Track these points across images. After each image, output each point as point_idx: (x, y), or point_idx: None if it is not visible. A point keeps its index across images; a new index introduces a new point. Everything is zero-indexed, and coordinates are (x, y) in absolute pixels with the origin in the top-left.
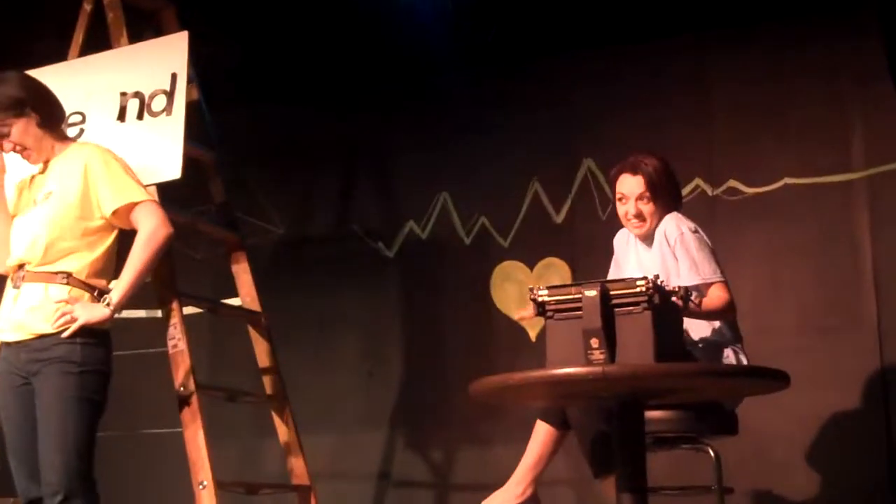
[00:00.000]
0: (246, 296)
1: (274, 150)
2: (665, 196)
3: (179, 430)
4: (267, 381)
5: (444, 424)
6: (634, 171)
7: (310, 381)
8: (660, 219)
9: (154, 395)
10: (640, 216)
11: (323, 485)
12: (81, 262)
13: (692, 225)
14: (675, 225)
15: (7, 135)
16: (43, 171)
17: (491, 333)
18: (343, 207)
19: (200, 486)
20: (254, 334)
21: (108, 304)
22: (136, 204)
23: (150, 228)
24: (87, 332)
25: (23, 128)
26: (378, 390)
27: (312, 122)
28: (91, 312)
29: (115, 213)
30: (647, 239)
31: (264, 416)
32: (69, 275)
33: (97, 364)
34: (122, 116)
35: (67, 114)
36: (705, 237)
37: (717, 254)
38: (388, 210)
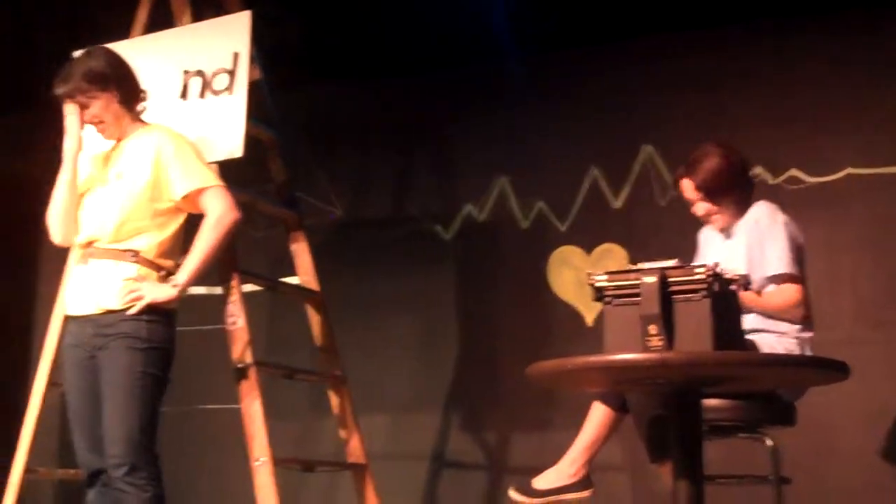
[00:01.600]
0: (304, 275)
1: (334, 131)
2: (726, 190)
3: (237, 406)
4: (324, 360)
5: (499, 407)
6: (688, 174)
7: (365, 361)
8: (733, 210)
9: (212, 372)
10: (707, 214)
11: (377, 464)
12: (150, 241)
13: (785, 217)
14: (768, 214)
15: (88, 107)
16: (115, 150)
17: (547, 318)
18: (401, 189)
19: (257, 462)
20: (311, 313)
21: (174, 285)
22: (205, 189)
23: (219, 213)
24: (152, 310)
25: (104, 103)
26: (433, 372)
27: (373, 103)
28: (158, 292)
29: (185, 197)
30: (728, 230)
31: (320, 395)
32: (137, 253)
33: (162, 342)
34: (184, 94)
35: None
36: (796, 232)
37: (804, 251)
38: (446, 193)
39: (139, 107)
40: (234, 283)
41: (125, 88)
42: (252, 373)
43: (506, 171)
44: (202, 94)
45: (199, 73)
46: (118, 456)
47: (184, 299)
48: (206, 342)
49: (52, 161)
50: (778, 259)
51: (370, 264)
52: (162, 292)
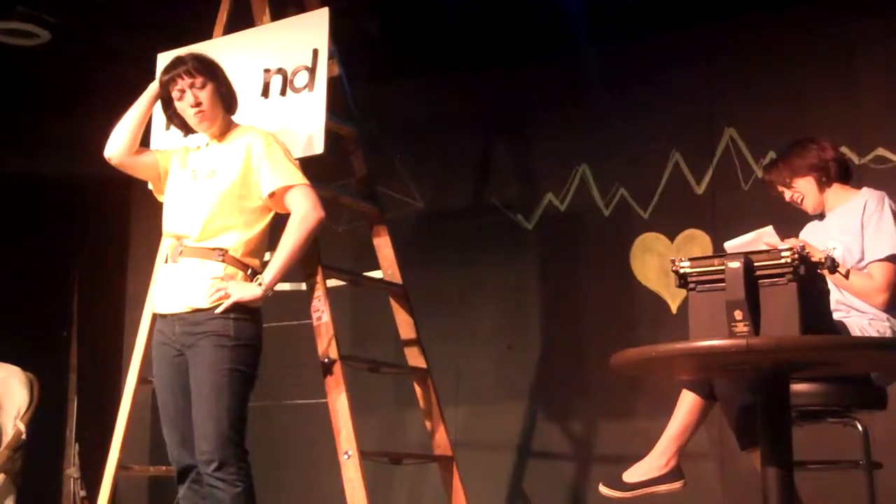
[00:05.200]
0: (388, 268)
1: (413, 123)
2: (813, 174)
3: (324, 400)
4: (409, 352)
5: (584, 396)
6: (768, 172)
7: (449, 353)
8: (822, 194)
9: (299, 367)
10: (798, 202)
11: (463, 455)
12: (238, 240)
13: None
14: (878, 200)
15: (199, 88)
16: (209, 148)
17: (631, 305)
18: (482, 180)
19: (345, 456)
20: (395, 306)
21: (260, 284)
22: (291, 187)
23: (303, 212)
24: (239, 308)
25: (212, 91)
26: (517, 362)
27: (452, 95)
28: (244, 291)
29: (272, 195)
30: (824, 214)
31: (406, 388)
32: (225, 252)
33: (249, 339)
34: (265, 93)
35: None
36: None
37: None
38: (526, 182)
39: (234, 108)
40: (318, 278)
41: (227, 87)
42: (338, 367)
43: (586, 159)
44: (283, 92)
45: (280, 70)
46: (208, 452)
47: (270, 296)
48: (292, 338)
49: None
50: (886, 242)
51: (452, 256)
52: (248, 291)
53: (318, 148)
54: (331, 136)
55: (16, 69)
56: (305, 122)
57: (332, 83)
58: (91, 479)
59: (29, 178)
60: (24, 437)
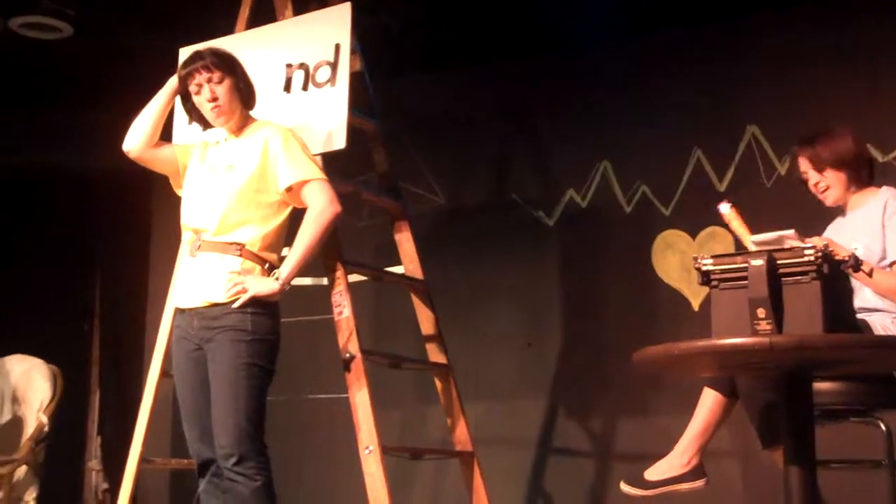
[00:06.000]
0: (409, 263)
1: (434, 119)
2: (842, 165)
3: (345, 395)
4: (430, 348)
5: (605, 393)
6: (807, 145)
7: (470, 348)
8: (847, 188)
9: (320, 362)
10: (818, 187)
11: (483, 451)
12: (255, 234)
13: None
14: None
15: (217, 83)
16: (228, 143)
17: (652, 302)
18: (503, 176)
19: (366, 451)
20: (417, 302)
21: (277, 279)
22: (308, 181)
23: (320, 207)
24: (256, 302)
25: (229, 86)
26: (538, 359)
27: (473, 90)
28: (261, 286)
29: (289, 189)
30: (844, 210)
31: (426, 383)
32: (242, 246)
33: (266, 333)
34: (287, 88)
35: None
36: None
37: None
38: (547, 178)
39: (252, 104)
40: (339, 273)
41: (245, 82)
42: (359, 362)
43: (608, 155)
44: (305, 87)
45: (302, 65)
46: (227, 447)
47: (292, 290)
48: (313, 332)
49: None
50: None
51: (473, 252)
52: (265, 286)
53: (340, 143)
54: (352, 132)
55: (39, 63)
56: (327, 117)
57: (354, 78)
58: (113, 472)
59: (52, 171)
60: (46, 429)
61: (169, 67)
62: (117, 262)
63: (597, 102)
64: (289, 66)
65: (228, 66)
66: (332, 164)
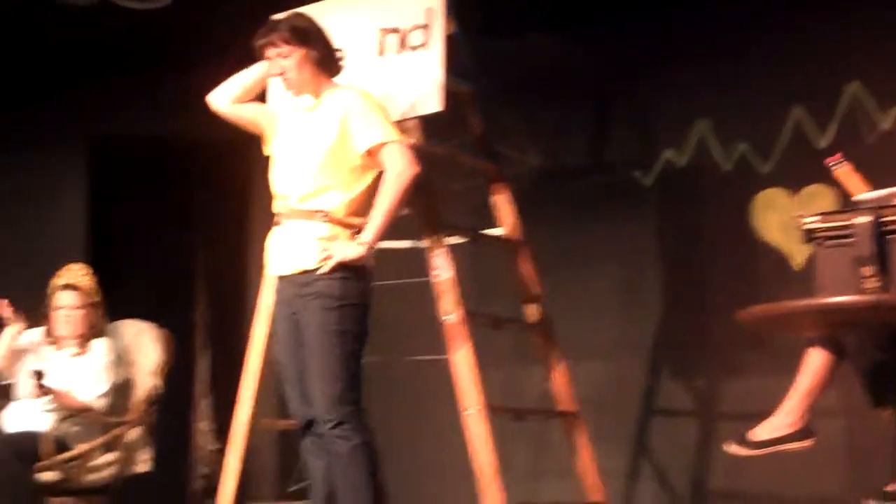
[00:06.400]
0: (507, 225)
1: (529, 80)
2: None
3: (445, 357)
4: (529, 309)
5: (706, 353)
6: None
7: (569, 309)
8: None
9: (420, 324)
10: None
11: (585, 412)
12: (340, 200)
13: None
14: None
15: (284, 57)
16: (310, 111)
17: (753, 262)
18: (599, 137)
19: (469, 412)
20: (515, 263)
21: (361, 243)
22: (385, 143)
23: (399, 168)
24: (345, 268)
25: (299, 58)
26: (638, 319)
27: (569, 51)
28: (346, 251)
29: (368, 152)
30: None
31: (526, 344)
32: (327, 213)
33: (355, 298)
34: (381, 52)
35: None
36: None
37: None
38: (645, 139)
39: (334, 70)
40: (437, 236)
41: (323, 50)
42: (460, 324)
43: (705, 114)
44: (399, 51)
45: (395, 29)
46: (322, 412)
47: (392, 253)
48: (414, 295)
49: None
50: None
51: (570, 213)
52: (350, 251)
53: (435, 106)
54: (447, 95)
55: (138, 32)
56: (422, 80)
57: (448, 41)
58: (223, 433)
59: (154, 139)
60: (159, 390)
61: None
62: (220, 227)
63: (694, 60)
64: (382, 30)
65: (300, 37)
66: (428, 127)
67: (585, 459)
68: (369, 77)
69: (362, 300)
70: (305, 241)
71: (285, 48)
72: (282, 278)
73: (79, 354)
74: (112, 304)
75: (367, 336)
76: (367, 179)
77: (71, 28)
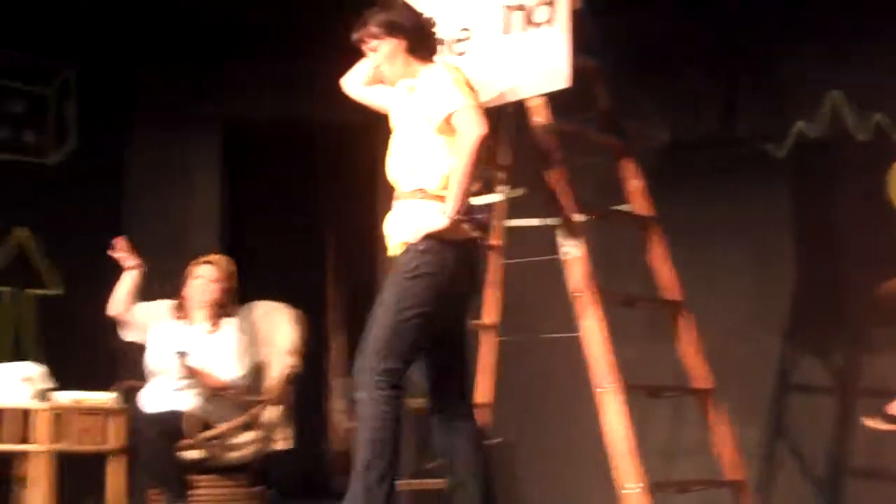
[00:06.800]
0: (636, 201)
1: (656, 54)
2: None
3: (577, 335)
4: (662, 285)
5: (842, 329)
6: None
7: (700, 285)
8: None
9: (553, 302)
10: None
11: (720, 389)
12: (434, 176)
13: None
14: None
15: (374, 50)
16: (410, 91)
17: (889, 235)
18: (729, 109)
19: (602, 389)
20: (646, 240)
21: (443, 213)
22: (454, 111)
23: (464, 133)
24: (430, 238)
25: (390, 49)
26: (771, 295)
27: (696, 23)
28: (430, 222)
29: (446, 122)
30: None
31: (658, 321)
32: (425, 190)
33: (429, 267)
34: (506, 29)
35: (455, 29)
36: None
37: None
38: (776, 111)
39: (430, 51)
40: (567, 213)
41: (414, 36)
42: (591, 301)
43: (839, 84)
44: (524, 28)
45: (520, 7)
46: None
47: (522, 231)
48: (544, 272)
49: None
50: None
51: (700, 188)
52: (433, 222)
53: (562, 82)
54: (574, 70)
55: (272, 17)
56: (548, 56)
57: (574, 16)
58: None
59: (287, 121)
60: (296, 369)
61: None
62: (350, 208)
63: (826, 29)
64: (507, 7)
65: (387, 30)
66: (555, 103)
67: (723, 437)
68: (494, 55)
69: (436, 270)
70: (405, 221)
71: (375, 42)
72: (392, 258)
73: (212, 332)
74: (246, 285)
75: (433, 308)
76: None
77: (209, 13)
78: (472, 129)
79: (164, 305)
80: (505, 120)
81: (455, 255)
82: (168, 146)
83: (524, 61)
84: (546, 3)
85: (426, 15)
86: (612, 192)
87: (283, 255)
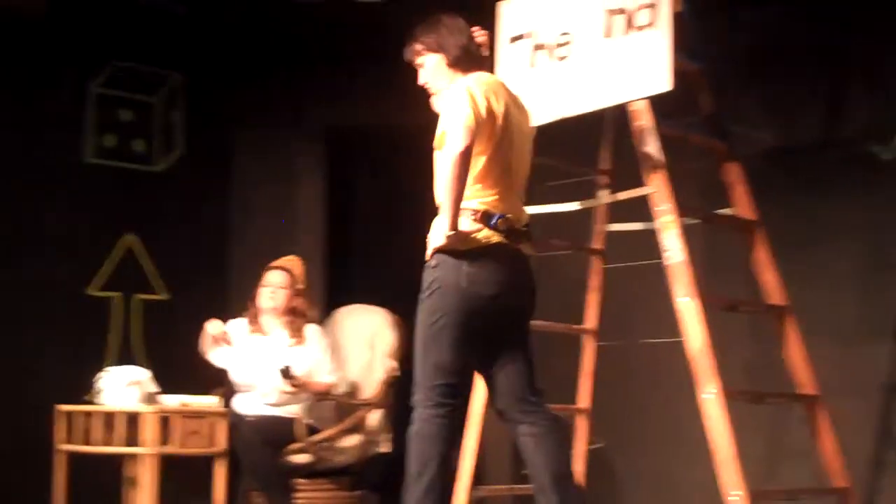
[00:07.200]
0: (740, 205)
1: (760, 55)
2: None
3: (680, 339)
4: (766, 290)
5: None
6: None
7: (808, 290)
8: None
9: (654, 307)
10: None
11: (826, 396)
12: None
13: None
14: None
15: (422, 66)
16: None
17: None
18: (834, 110)
19: (706, 395)
20: (750, 243)
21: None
22: (444, 130)
23: (444, 152)
24: (439, 254)
25: (433, 65)
26: (880, 300)
27: (798, 24)
28: (434, 239)
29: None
30: None
31: (762, 326)
32: (441, 205)
33: (436, 283)
34: (608, 33)
35: (556, 34)
36: None
37: None
38: (883, 110)
39: (473, 63)
40: (670, 217)
41: (455, 50)
42: (694, 306)
43: None
44: (626, 31)
45: (621, 10)
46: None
47: (622, 235)
48: (646, 277)
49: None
50: None
51: (805, 191)
52: (437, 238)
53: (664, 86)
54: (676, 73)
55: (369, 25)
56: (650, 60)
57: (676, 18)
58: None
59: (386, 128)
60: (396, 373)
61: (480, 21)
62: (397, 216)
63: None
64: (608, 11)
65: (428, 47)
66: (656, 107)
67: (828, 444)
68: (596, 59)
69: (455, 279)
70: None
71: (420, 59)
72: None
73: (297, 344)
74: (345, 290)
75: (455, 319)
76: (476, 163)
77: (311, 20)
78: (449, 148)
79: (238, 323)
80: (606, 124)
81: (473, 263)
82: (272, 151)
83: (625, 65)
84: (648, 6)
85: (466, 28)
86: (716, 196)
87: (386, 259)
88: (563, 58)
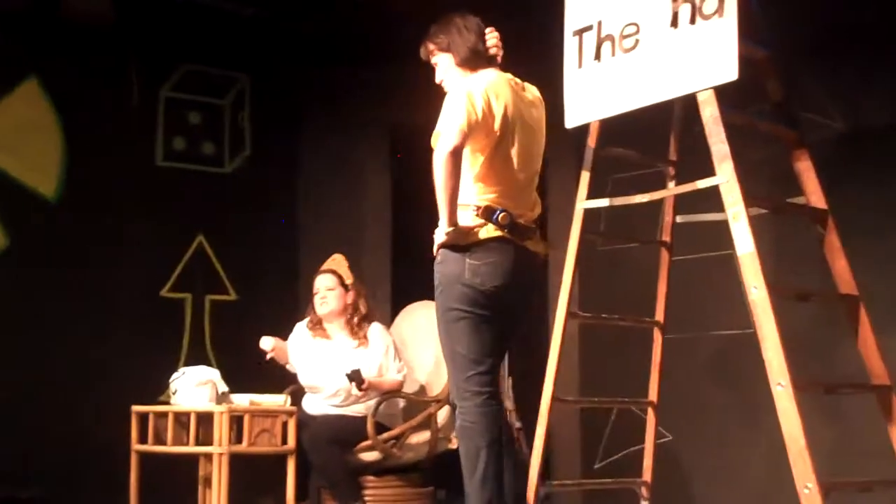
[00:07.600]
0: (811, 194)
1: (829, 40)
2: None
3: (751, 330)
4: (838, 279)
5: None
6: None
7: (883, 278)
8: None
9: (726, 297)
10: None
11: None
12: (462, 186)
13: None
14: None
15: (436, 65)
16: None
17: None
18: None
19: (778, 386)
20: (821, 232)
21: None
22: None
23: (434, 152)
24: (444, 250)
25: (444, 64)
26: None
27: (868, 6)
28: (437, 237)
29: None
30: None
31: (835, 316)
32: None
33: (444, 278)
34: (674, 23)
35: (622, 25)
36: None
37: None
38: None
39: (482, 61)
40: (740, 206)
41: (463, 50)
42: (765, 296)
43: None
44: (692, 20)
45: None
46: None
47: (694, 226)
48: (717, 268)
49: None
50: None
51: (877, 178)
52: (438, 236)
53: (732, 74)
54: (743, 61)
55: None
56: (717, 48)
57: (743, 5)
58: (522, 411)
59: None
60: None
61: (508, 16)
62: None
63: None
64: (674, 1)
65: (439, 47)
66: (725, 95)
67: None
68: (663, 49)
69: (459, 273)
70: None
71: (432, 59)
72: None
73: (360, 346)
74: (413, 287)
75: (471, 312)
76: (476, 163)
77: (373, 19)
78: (439, 148)
79: (300, 327)
80: (674, 115)
81: (476, 256)
82: (338, 150)
83: (693, 55)
84: None
85: (478, 28)
86: (786, 185)
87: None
88: (628, 49)
